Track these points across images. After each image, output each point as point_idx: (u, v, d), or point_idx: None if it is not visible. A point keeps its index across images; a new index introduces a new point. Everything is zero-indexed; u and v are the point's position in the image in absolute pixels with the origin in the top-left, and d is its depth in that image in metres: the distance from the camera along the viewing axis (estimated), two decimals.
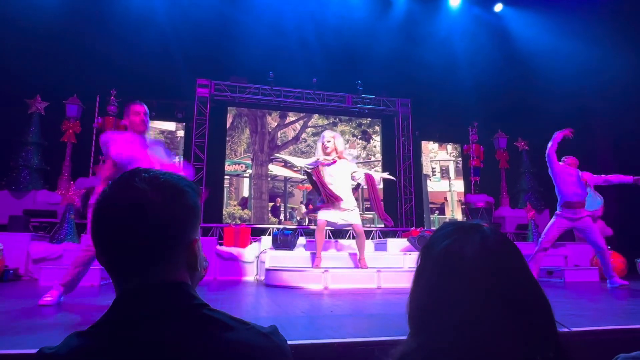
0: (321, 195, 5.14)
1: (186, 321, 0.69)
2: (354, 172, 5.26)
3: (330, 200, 4.98)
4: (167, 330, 0.66)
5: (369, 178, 5.32)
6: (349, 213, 5.06)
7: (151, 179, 0.73)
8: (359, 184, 5.36)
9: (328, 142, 5.20)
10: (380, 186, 9.77)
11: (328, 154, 5.20)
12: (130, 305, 0.69)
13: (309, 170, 5.27)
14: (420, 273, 0.72)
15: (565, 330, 0.67)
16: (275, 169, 9.83)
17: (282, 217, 9.53)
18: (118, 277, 0.73)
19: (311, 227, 9.20)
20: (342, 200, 4.99)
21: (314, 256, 5.19)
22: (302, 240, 6.50)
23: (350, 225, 5.18)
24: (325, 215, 5.03)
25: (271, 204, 9.60)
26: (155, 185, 0.72)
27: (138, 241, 0.69)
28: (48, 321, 2.35)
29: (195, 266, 0.76)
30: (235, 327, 0.70)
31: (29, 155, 7.43)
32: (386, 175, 5.74)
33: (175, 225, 0.72)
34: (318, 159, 5.24)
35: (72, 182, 7.11)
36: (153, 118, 9.26)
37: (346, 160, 5.28)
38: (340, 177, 5.14)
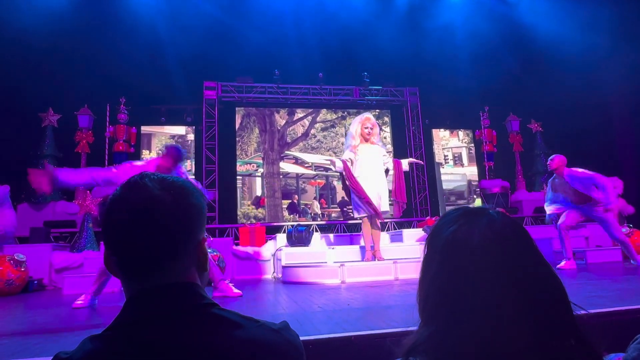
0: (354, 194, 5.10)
1: (197, 321, 0.69)
2: (384, 155, 5.24)
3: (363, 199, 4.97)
4: (178, 331, 0.67)
5: (396, 163, 5.31)
6: (383, 198, 5.00)
7: (160, 180, 0.74)
8: (387, 170, 5.32)
9: (372, 128, 5.15)
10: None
11: (367, 140, 5.13)
12: (141, 306, 0.70)
13: (340, 171, 5.16)
14: (428, 261, 0.71)
15: (584, 312, 0.65)
16: (286, 167, 9.85)
17: (297, 214, 9.56)
18: (129, 278, 0.73)
19: (323, 222, 9.22)
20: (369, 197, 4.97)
21: (363, 250, 5.27)
22: (316, 235, 6.52)
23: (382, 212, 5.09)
24: (367, 211, 4.96)
25: (286, 201, 9.63)
26: (165, 186, 0.73)
27: (149, 240, 0.70)
28: (71, 329, 2.41)
29: (205, 266, 0.77)
30: (245, 325, 0.70)
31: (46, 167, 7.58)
32: (414, 160, 5.73)
33: (184, 224, 0.73)
34: (348, 158, 5.11)
35: (88, 191, 7.24)
36: (163, 124, 9.41)
37: (378, 146, 5.24)
38: (375, 162, 5.09)
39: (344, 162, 5.12)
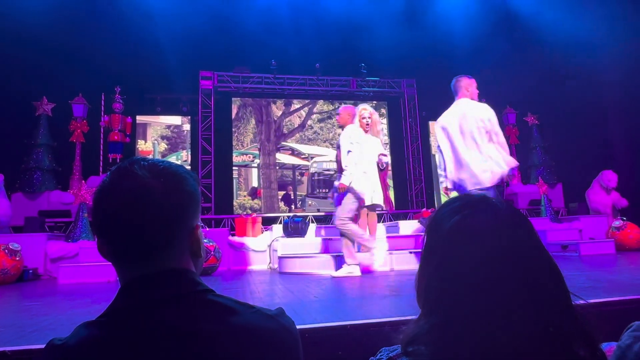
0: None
1: (192, 307, 0.69)
2: (380, 152, 5.00)
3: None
4: (173, 316, 0.67)
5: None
6: (376, 193, 4.82)
7: (150, 167, 0.73)
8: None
9: (369, 118, 4.90)
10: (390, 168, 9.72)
11: (366, 131, 4.87)
12: (135, 293, 0.70)
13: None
14: (429, 252, 0.69)
15: (582, 302, 0.66)
16: (283, 158, 9.83)
17: (293, 205, 9.57)
18: (122, 266, 0.73)
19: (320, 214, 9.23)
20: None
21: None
22: (312, 227, 6.53)
23: (377, 205, 4.99)
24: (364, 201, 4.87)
25: (281, 192, 9.63)
26: (155, 172, 0.72)
27: (141, 228, 0.69)
28: (66, 317, 2.41)
29: (199, 252, 0.77)
30: (240, 311, 0.70)
31: (40, 156, 7.53)
32: (381, 154, 5.35)
33: (177, 211, 0.72)
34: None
35: (83, 181, 7.20)
36: (158, 113, 9.35)
37: (378, 140, 5.04)
38: (371, 156, 4.88)
39: None
